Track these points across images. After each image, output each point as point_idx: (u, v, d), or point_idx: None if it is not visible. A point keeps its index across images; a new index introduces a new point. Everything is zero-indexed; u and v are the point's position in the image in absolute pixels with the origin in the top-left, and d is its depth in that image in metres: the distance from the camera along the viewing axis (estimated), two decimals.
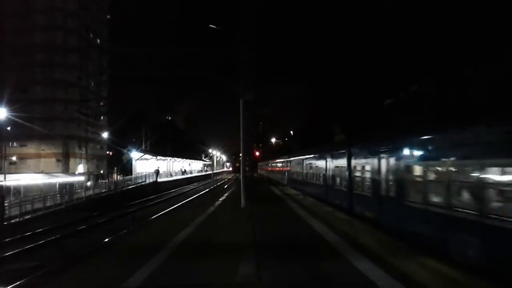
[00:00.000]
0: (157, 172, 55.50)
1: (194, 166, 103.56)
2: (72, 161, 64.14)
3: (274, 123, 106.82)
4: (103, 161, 75.25)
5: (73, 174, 58.22)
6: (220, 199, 25.65)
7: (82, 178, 48.90)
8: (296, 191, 29.13)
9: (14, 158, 60.71)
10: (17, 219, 25.33)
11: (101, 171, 69.61)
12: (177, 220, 16.40)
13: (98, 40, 72.88)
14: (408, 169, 10.67)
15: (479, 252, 7.57)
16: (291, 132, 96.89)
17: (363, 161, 14.80)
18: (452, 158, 8.57)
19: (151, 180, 53.62)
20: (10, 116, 38.42)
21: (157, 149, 72.72)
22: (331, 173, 19.46)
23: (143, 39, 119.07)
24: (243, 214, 16.67)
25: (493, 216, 7.11)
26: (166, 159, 72.34)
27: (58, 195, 32.79)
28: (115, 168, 66.50)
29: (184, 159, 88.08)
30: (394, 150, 11.64)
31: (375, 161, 13.09)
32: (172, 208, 29.37)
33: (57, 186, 35.68)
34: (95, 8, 72.05)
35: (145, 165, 60.51)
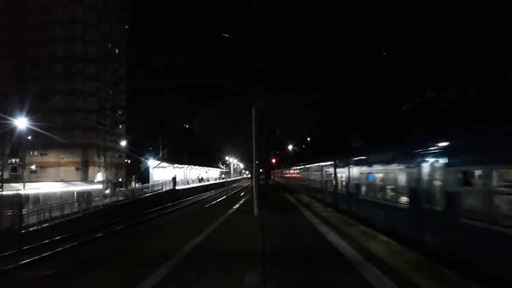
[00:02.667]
0: (174, 180, 55.88)
1: (211, 174, 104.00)
2: (91, 169, 65.05)
3: (291, 130, 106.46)
4: (121, 169, 76.14)
5: (92, 182, 59.08)
6: (234, 207, 25.61)
7: (100, 186, 49.56)
8: (310, 199, 28.88)
9: (34, 167, 61.96)
10: (35, 227, 25.75)
11: (120, 179, 70.43)
12: (190, 228, 16.41)
13: (117, 50, 74.09)
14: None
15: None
16: (308, 139, 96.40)
17: None
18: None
19: (168, 188, 53.97)
20: (30, 126, 39.30)
21: (174, 157, 73.28)
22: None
23: (159, 48, 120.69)
24: (255, 222, 16.59)
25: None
26: (183, 167, 72.80)
27: (76, 203, 33.27)
28: (133, 176, 67.24)
29: (201, 167, 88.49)
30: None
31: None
32: (186, 216, 29.41)
33: (75, 194, 36.18)
34: (114, 19, 73.40)
35: (162, 173, 60.99)
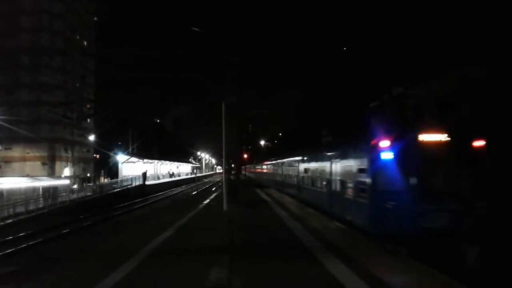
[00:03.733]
0: (144, 175, 55.14)
1: (183, 169, 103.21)
2: (58, 164, 63.47)
3: (264, 125, 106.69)
4: (90, 164, 74.56)
5: (59, 177, 57.57)
6: (205, 202, 25.60)
7: (67, 182, 48.29)
8: (280, 194, 29.23)
9: None
10: None
11: (88, 174, 68.98)
12: (158, 223, 16.30)
13: (85, 42, 72.33)
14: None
15: None
16: (280, 134, 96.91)
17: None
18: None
19: (137, 183, 53.25)
20: None
21: (144, 152, 72.27)
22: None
23: (130, 41, 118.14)
24: (224, 217, 16.64)
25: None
26: (153, 162, 71.89)
27: (41, 198, 32.40)
28: (102, 171, 65.89)
29: (172, 162, 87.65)
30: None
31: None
32: (155, 211, 29.15)
33: (41, 189, 35.22)
34: (82, 10, 71.55)
35: (131, 168, 60.11)
